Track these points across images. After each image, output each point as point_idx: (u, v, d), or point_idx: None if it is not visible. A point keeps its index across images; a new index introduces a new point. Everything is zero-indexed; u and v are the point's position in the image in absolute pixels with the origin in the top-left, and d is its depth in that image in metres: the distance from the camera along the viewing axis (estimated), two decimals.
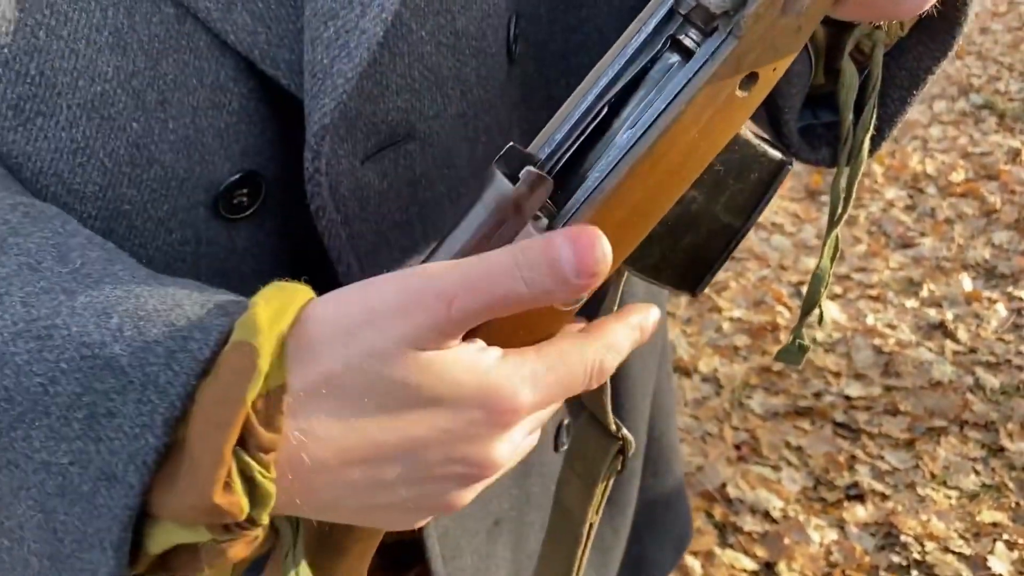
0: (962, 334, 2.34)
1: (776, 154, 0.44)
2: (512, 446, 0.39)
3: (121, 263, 0.38)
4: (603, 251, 0.36)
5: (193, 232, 0.46)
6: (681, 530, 0.85)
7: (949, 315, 2.41)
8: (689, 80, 0.39)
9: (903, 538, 1.82)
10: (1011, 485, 1.93)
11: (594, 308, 0.46)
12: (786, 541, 1.82)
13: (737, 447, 2.05)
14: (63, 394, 0.34)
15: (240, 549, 0.36)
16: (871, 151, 0.51)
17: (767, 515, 1.88)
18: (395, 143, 0.49)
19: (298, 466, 0.36)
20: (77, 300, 0.35)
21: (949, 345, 2.31)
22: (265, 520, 0.36)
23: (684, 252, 0.45)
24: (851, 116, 0.49)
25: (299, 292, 0.37)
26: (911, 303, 2.48)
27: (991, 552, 1.77)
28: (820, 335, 2.36)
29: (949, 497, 1.92)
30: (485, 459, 0.38)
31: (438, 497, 0.39)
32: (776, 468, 2.00)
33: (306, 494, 0.37)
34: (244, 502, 0.34)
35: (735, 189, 0.44)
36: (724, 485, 1.95)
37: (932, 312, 2.43)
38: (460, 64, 0.50)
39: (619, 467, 0.55)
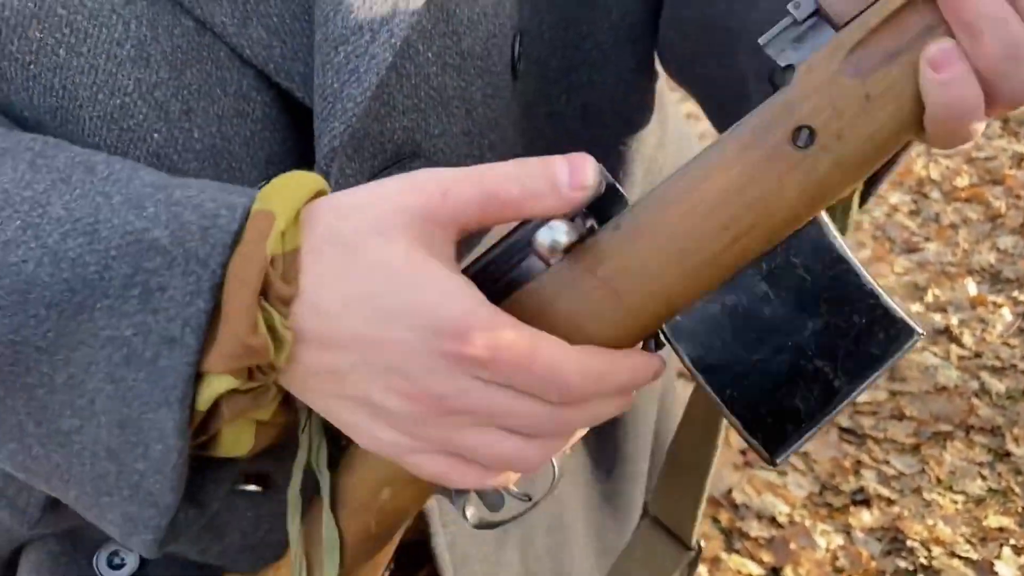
0: (967, 339, 2.34)
1: (907, 321, 0.41)
2: (457, 387, 0.39)
3: (144, 169, 0.42)
4: (595, 168, 0.39)
5: None
6: None
7: (954, 320, 2.41)
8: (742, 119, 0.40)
9: (909, 543, 1.82)
10: (1017, 490, 1.93)
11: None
12: (792, 546, 1.82)
13: (743, 452, 2.05)
14: (117, 277, 0.38)
15: (261, 398, 0.41)
16: (860, 206, 0.53)
17: (773, 520, 1.88)
18: (400, 161, 0.50)
19: (310, 324, 0.39)
20: (113, 199, 0.39)
21: (954, 350, 2.31)
22: (282, 361, 0.39)
23: (771, 395, 0.41)
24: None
25: (312, 177, 0.41)
26: (916, 308, 2.48)
27: (998, 557, 1.77)
28: None
29: (955, 502, 1.92)
30: (416, 383, 0.39)
31: (374, 410, 0.41)
32: (782, 473, 2.00)
33: (306, 366, 0.41)
34: (269, 343, 0.39)
35: (851, 349, 0.41)
36: (730, 491, 1.95)
37: (937, 317, 2.43)
38: (466, 84, 0.51)
39: None
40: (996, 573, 1.74)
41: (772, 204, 0.39)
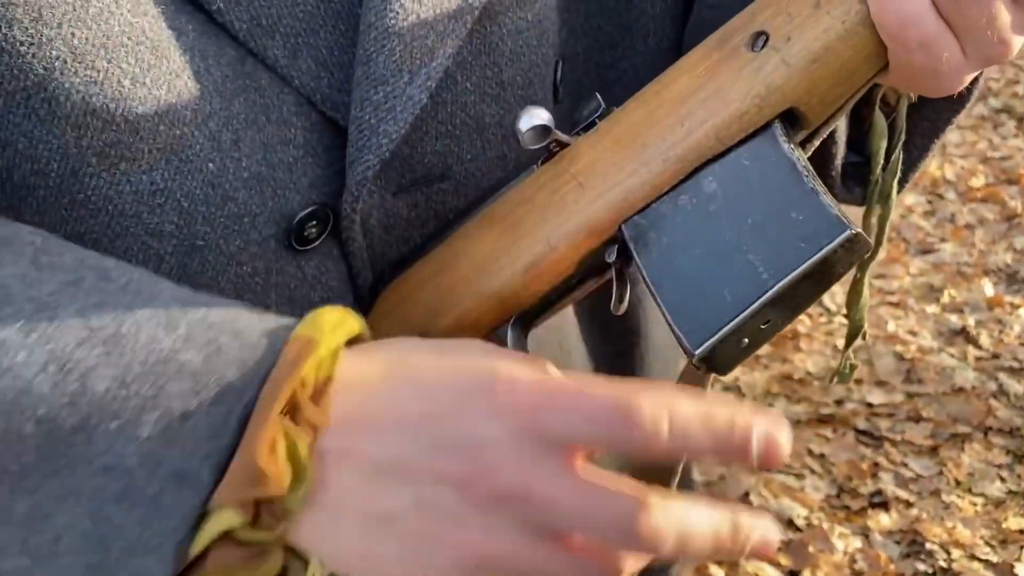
0: (984, 340, 2.33)
1: (839, 217, 0.40)
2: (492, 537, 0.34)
3: (162, 281, 0.39)
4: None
5: (264, 264, 0.48)
6: None
7: (971, 321, 2.39)
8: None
9: (928, 546, 1.81)
10: None
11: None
12: (810, 549, 1.81)
13: None
14: (134, 397, 0.34)
15: (257, 560, 0.35)
16: (898, 191, 0.54)
17: (791, 523, 1.88)
18: (429, 181, 0.51)
19: (333, 482, 0.35)
20: (137, 313, 0.36)
21: (971, 351, 2.30)
22: (296, 506, 0.35)
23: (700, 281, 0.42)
24: (881, 162, 0.52)
25: (353, 318, 0.39)
26: (932, 309, 2.47)
27: (1018, 559, 1.76)
28: (842, 342, 2.35)
29: (974, 504, 1.91)
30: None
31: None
32: (799, 476, 1.99)
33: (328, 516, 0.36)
34: (286, 474, 0.34)
35: (782, 244, 0.41)
36: (747, 494, 1.95)
37: (954, 318, 2.42)
38: (503, 112, 0.51)
39: None
40: (1016, 575, 1.73)
41: (722, 100, 0.42)
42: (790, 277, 0.40)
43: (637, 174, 0.43)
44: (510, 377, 0.35)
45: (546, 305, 0.47)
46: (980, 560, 1.78)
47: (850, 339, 0.56)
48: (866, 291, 0.54)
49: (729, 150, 0.42)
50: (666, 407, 0.34)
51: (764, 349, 2.36)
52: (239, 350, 0.35)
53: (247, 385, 0.35)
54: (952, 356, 2.28)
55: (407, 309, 0.49)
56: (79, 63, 0.42)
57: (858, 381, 2.24)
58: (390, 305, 0.51)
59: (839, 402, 2.19)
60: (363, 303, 0.52)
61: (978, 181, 3.01)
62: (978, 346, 2.31)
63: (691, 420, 0.34)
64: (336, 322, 0.37)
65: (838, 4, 0.41)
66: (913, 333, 2.39)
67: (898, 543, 1.84)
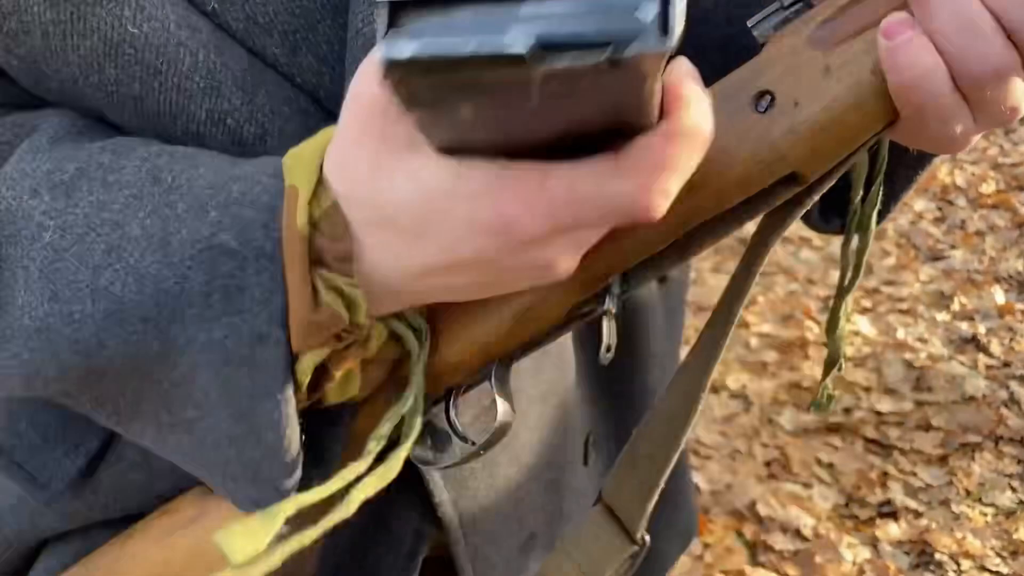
0: (995, 347, 2.31)
1: None
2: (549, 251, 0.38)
3: (204, 160, 0.43)
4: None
5: None
6: (688, 524, 0.85)
7: (981, 328, 2.37)
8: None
9: (938, 556, 1.79)
10: None
11: None
12: (818, 559, 1.79)
13: (767, 464, 2.03)
14: (196, 286, 0.40)
15: (356, 352, 0.42)
16: (878, 223, 0.53)
17: (798, 533, 1.86)
18: None
19: (379, 263, 0.40)
20: (178, 208, 0.41)
21: (982, 359, 2.28)
22: (362, 319, 0.41)
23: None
24: (861, 192, 0.51)
25: (323, 133, 0.41)
26: (942, 316, 2.45)
27: None
28: (850, 350, 2.33)
29: (985, 514, 1.89)
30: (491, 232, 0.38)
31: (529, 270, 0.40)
32: (807, 485, 1.97)
33: (399, 284, 0.41)
34: (341, 311, 0.40)
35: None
36: (754, 503, 1.93)
37: (964, 325, 2.40)
38: None
39: (624, 572, 0.55)
40: None
41: (725, 162, 0.41)
42: None
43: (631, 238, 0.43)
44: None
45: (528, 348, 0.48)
46: (990, 571, 1.75)
47: (827, 368, 0.55)
48: (843, 321, 0.53)
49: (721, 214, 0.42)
50: None
51: (771, 356, 2.34)
52: (260, 216, 0.40)
53: (276, 246, 0.39)
54: (962, 364, 2.26)
55: None
56: (91, 69, 0.45)
57: (867, 389, 2.22)
58: None
59: (847, 411, 2.17)
60: None
61: (989, 187, 2.99)
62: (989, 354, 2.29)
63: None
64: (308, 152, 0.40)
65: (849, 73, 0.40)
66: (923, 340, 2.37)
67: (907, 553, 1.81)
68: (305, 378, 0.42)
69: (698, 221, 0.42)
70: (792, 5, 0.42)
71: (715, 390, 2.25)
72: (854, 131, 0.41)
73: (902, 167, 0.54)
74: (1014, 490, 1.94)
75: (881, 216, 0.54)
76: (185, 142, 0.46)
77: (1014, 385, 2.18)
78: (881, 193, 0.50)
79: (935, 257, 2.71)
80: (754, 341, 2.39)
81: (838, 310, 0.53)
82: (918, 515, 1.89)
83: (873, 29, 0.39)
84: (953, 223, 2.85)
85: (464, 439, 0.51)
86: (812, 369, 2.28)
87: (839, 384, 2.23)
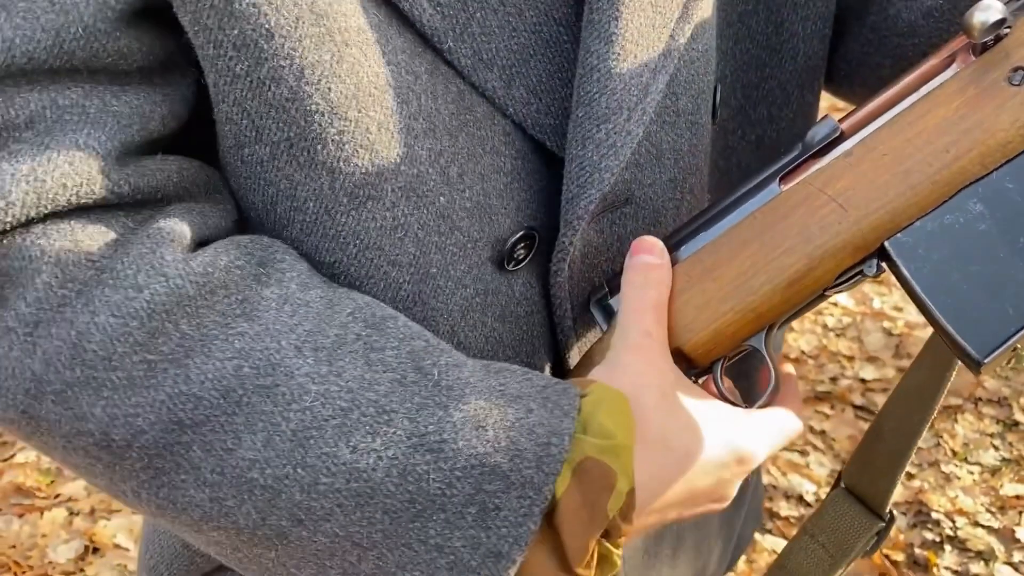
0: None
1: None
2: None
3: (466, 366, 0.46)
4: None
5: (483, 286, 0.52)
6: (758, 507, 0.91)
7: None
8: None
9: (934, 515, 1.89)
10: None
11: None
12: None
13: None
14: (459, 495, 0.43)
15: None
16: None
17: (801, 499, 1.94)
18: (615, 207, 0.54)
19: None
20: (452, 415, 0.44)
21: None
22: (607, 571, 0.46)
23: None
24: None
25: (621, 397, 0.46)
26: None
27: (1018, 524, 1.85)
28: (831, 320, 2.42)
29: (972, 473, 1.99)
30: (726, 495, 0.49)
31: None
32: (803, 453, 2.06)
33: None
34: (594, 573, 0.45)
35: None
36: (755, 470, 2.00)
37: None
38: (676, 137, 0.54)
39: (870, 548, 0.60)
40: (1018, 540, 1.81)
41: (987, 130, 0.45)
42: None
43: (903, 196, 0.46)
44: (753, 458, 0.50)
45: (794, 314, 0.51)
46: (983, 527, 1.86)
47: None
48: None
49: (989, 173, 0.46)
50: None
51: None
52: (536, 449, 0.44)
53: (544, 481, 0.43)
54: None
55: None
56: (334, 115, 0.45)
57: (850, 358, 2.31)
58: None
59: (834, 379, 2.25)
60: (555, 318, 0.55)
61: None
62: None
63: None
64: (615, 426, 0.45)
65: None
66: (898, 309, 2.46)
67: (905, 514, 1.91)
68: None
69: (964, 184, 0.46)
70: None
71: None
72: None
73: None
74: (996, 448, 2.04)
75: None
76: (403, 195, 0.47)
77: None
78: None
79: None
80: None
81: None
82: (910, 476, 1.99)
83: None
84: None
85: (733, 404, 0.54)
86: (797, 340, 2.36)
87: (824, 354, 2.32)
